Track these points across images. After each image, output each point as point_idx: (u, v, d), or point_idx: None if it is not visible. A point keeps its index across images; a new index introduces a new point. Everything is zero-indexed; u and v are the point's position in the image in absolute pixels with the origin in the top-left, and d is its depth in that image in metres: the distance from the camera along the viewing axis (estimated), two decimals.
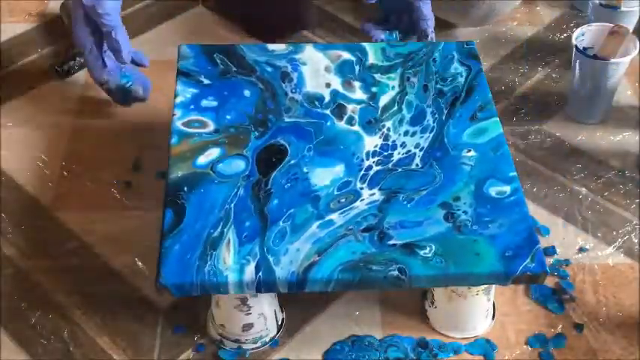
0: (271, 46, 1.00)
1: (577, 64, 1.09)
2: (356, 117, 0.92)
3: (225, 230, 0.79)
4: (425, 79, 0.96)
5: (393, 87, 0.95)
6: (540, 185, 1.05)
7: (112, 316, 0.90)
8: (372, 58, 0.98)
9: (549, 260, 0.96)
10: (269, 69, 0.97)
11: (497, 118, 0.91)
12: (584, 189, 1.05)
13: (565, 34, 1.29)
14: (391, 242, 0.78)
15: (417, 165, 0.86)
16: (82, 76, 1.21)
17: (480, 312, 0.87)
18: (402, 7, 1.11)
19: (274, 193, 0.83)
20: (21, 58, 1.25)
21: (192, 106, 0.92)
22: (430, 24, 1.10)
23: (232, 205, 0.82)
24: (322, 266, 0.77)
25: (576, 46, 1.08)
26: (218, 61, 0.97)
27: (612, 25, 1.10)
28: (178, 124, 0.90)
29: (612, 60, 1.06)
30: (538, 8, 1.36)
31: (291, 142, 0.88)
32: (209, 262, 0.77)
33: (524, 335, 0.89)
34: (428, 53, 0.99)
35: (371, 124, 0.91)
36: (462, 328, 0.88)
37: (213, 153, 0.87)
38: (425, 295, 0.91)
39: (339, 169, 0.86)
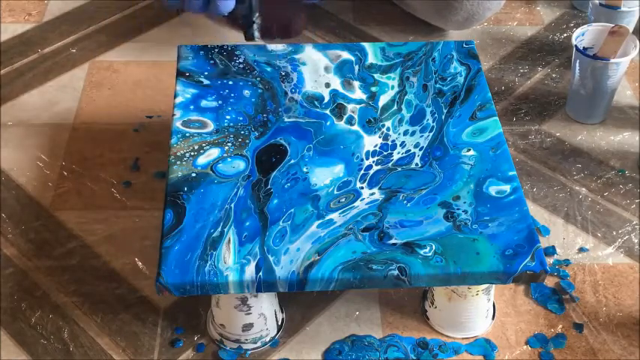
0: (271, 46, 1.00)
1: (577, 64, 1.09)
2: (355, 117, 0.92)
3: (225, 230, 0.79)
4: (424, 78, 0.96)
5: (393, 86, 0.95)
6: (540, 185, 1.05)
7: (112, 316, 0.90)
8: (371, 58, 0.98)
9: (549, 260, 0.96)
10: (268, 69, 0.97)
11: (497, 118, 0.91)
12: (584, 189, 1.05)
13: (565, 34, 1.30)
14: (391, 241, 0.78)
15: (416, 164, 0.86)
16: (82, 75, 1.21)
17: (480, 312, 0.87)
18: None
19: (274, 192, 0.83)
20: (21, 58, 1.25)
21: (192, 107, 0.92)
22: None
23: (232, 205, 0.82)
24: (322, 266, 0.77)
25: (576, 46, 1.08)
26: (217, 61, 0.98)
27: (612, 25, 1.10)
28: (178, 124, 0.90)
29: (612, 60, 1.06)
30: (538, 8, 1.36)
31: (291, 142, 0.88)
32: (209, 262, 0.77)
33: (524, 335, 0.89)
34: (427, 53, 0.99)
35: (370, 124, 0.91)
36: (462, 328, 0.88)
37: (213, 153, 0.87)
38: (425, 295, 0.91)
39: (338, 169, 0.86)
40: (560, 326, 0.90)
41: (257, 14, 0.83)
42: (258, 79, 0.96)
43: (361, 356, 0.86)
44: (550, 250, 0.97)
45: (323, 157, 0.87)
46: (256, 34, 0.84)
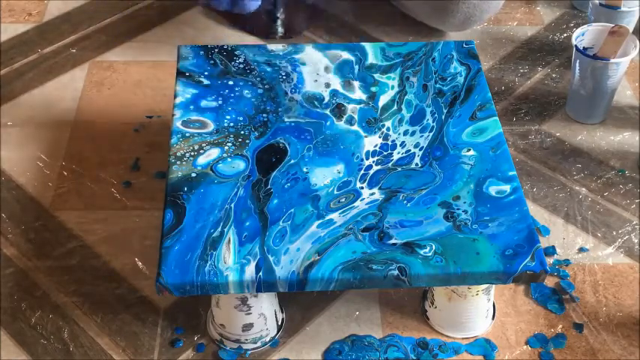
0: (271, 46, 1.00)
1: (577, 64, 1.09)
2: (355, 117, 0.92)
3: (225, 230, 0.79)
4: (424, 78, 0.96)
5: (393, 87, 0.95)
6: (540, 185, 1.05)
7: (112, 316, 0.90)
8: (371, 58, 0.98)
9: (549, 260, 0.96)
10: (269, 69, 0.97)
11: (497, 118, 0.91)
12: (584, 189, 1.05)
13: (565, 34, 1.30)
14: (391, 242, 0.78)
15: (416, 164, 0.86)
16: (82, 75, 1.21)
17: (480, 312, 0.87)
18: None
19: (274, 192, 0.83)
20: (21, 58, 1.25)
21: (192, 107, 0.92)
22: None
23: (232, 205, 0.82)
24: (322, 266, 0.77)
25: (576, 46, 1.08)
26: (218, 61, 0.98)
27: (612, 25, 1.10)
28: (178, 124, 0.90)
29: (612, 60, 1.06)
30: (538, 8, 1.36)
31: (291, 142, 0.88)
32: (209, 262, 0.77)
33: (525, 335, 0.89)
34: (427, 53, 0.99)
35: (370, 124, 0.91)
36: (462, 328, 0.88)
37: (213, 153, 0.87)
38: (425, 295, 0.91)
39: (338, 169, 0.86)
40: (560, 326, 0.90)
41: (281, 10, 0.84)
42: (258, 79, 0.96)
43: (361, 356, 0.86)
44: (550, 250, 0.97)
45: (323, 157, 0.87)
46: (280, 30, 0.85)
